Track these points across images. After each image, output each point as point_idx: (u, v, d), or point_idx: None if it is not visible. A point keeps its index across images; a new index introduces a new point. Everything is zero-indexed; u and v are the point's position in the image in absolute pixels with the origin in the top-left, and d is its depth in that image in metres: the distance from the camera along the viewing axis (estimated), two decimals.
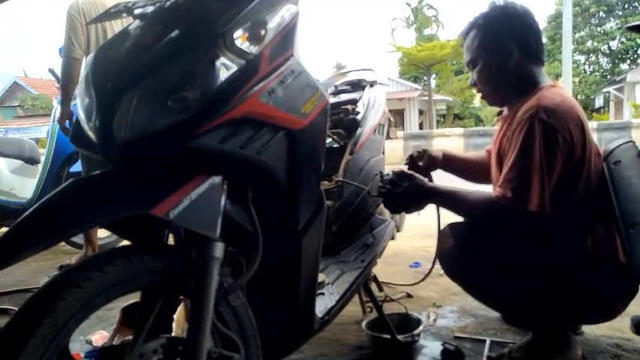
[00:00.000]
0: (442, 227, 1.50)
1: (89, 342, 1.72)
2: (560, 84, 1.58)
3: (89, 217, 0.74)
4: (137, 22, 0.92)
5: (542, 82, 1.40)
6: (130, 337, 0.99)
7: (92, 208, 0.75)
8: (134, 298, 0.94)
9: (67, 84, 2.68)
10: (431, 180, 1.56)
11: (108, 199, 0.76)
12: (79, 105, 0.89)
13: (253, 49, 0.86)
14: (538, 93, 1.34)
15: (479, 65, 1.45)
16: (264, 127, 0.88)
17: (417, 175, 1.46)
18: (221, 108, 0.81)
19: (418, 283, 1.78)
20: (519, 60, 1.39)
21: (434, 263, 1.61)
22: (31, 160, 3.56)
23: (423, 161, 1.62)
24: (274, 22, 0.90)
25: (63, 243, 3.34)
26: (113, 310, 1.83)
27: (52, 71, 3.31)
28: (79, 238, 3.31)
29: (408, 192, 1.42)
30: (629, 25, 1.46)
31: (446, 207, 1.43)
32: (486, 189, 1.46)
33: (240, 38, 0.84)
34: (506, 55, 1.39)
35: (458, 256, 1.44)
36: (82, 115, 0.89)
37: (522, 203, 1.25)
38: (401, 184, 1.42)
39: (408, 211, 1.50)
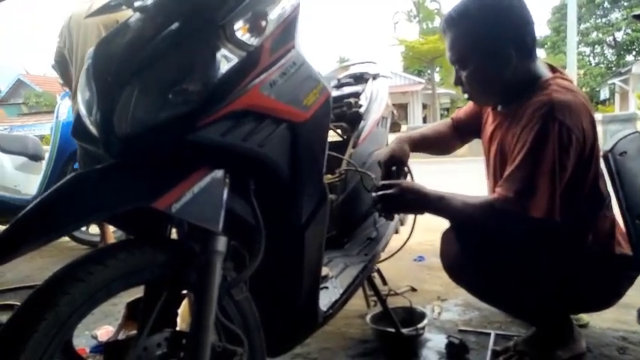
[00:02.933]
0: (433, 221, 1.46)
1: (95, 337, 1.73)
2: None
3: (90, 211, 0.74)
4: (137, 14, 0.91)
5: (543, 75, 1.31)
6: (135, 332, 0.99)
7: (93, 201, 0.74)
8: (139, 293, 0.94)
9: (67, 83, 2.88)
10: (410, 171, 1.51)
11: (109, 192, 0.76)
12: (80, 99, 0.89)
13: (254, 41, 0.85)
14: (548, 88, 1.25)
15: (469, 69, 1.31)
16: (265, 119, 0.88)
17: (407, 182, 1.38)
18: (222, 101, 0.80)
19: (393, 254, 1.75)
20: (517, 64, 1.27)
21: (412, 229, 1.62)
22: (35, 157, 3.57)
23: (402, 167, 1.54)
24: (275, 13, 0.89)
25: (68, 239, 3.35)
26: (118, 305, 1.84)
27: (54, 67, 3.31)
28: (83, 234, 3.33)
29: (401, 197, 1.32)
30: (635, 13, 1.44)
31: (439, 212, 1.33)
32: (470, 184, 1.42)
33: (240, 30, 0.84)
34: (502, 62, 1.27)
35: (461, 258, 1.40)
36: (82, 109, 0.88)
37: (526, 208, 1.18)
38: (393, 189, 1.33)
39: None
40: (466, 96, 1.42)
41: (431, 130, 1.74)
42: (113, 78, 0.83)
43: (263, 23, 0.87)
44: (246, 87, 0.83)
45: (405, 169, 1.55)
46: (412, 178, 1.60)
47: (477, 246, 1.34)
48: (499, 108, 1.42)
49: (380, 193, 1.34)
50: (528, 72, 1.31)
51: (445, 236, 1.46)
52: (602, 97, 24.70)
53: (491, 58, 1.28)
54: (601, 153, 1.32)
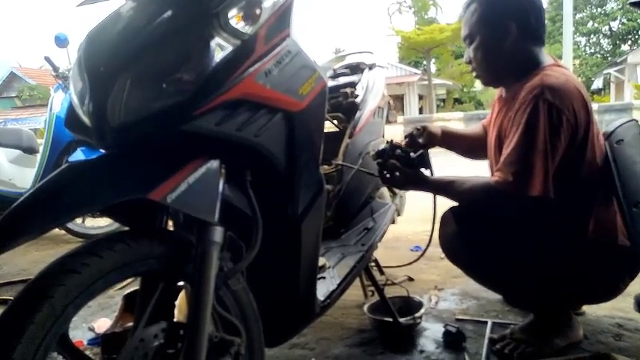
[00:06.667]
0: (443, 211, 1.49)
1: (92, 329, 1.73)
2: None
3: (85, 203, 0.73)
4: (129, 2, 0.90)
5: (544, 62, 1.35)
6: (132, 324, 0.99)
7: (88, 193, 0.73)
8: (137, 285, 0.94)
9: None
10: (428, 158, 1.51)
11: (104, 184, 0.75)
12: (72, 89, 0.88)
13: (248, 29, 0.84)
14: (541, 73, 1.30)
15: (475, 41, 1.40)
16: (261, 108, 0.87)
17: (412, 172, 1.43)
18: (217, 89, 0.79)
19: (412, 263, 1.76)
20: (517, 39, 1.34)
21: (428, 244, 1.62)
22: (30, 150, 3.56)
23: (423, 138, 1.57)
24: (270, 1, 0.88)
25: (63, 232, 3.34)
26: (115, 297, 1.84)
27: (48, 59, 3.29)
28: (78, 226, 3.32)
29: (403, 178, 1.43)
30: (632, 1, 1.42)
31: (442, 194, 1.41)
32: (483, 173, 1.45)
33: (235, 18, 0.82)
34: (502, 33, 1.34)
35: (459, 239, 1.43)
36: (75, 100, 0.87)
37: (524, 188, 1.22)
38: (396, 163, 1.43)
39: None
40: (474, 74, 1.47)
41: (467, 129, 1.81)
42: (106, 67, 0.81)
43: (257, 11, 0.86)
44: (241, 76, 0.82)
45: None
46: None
47: (475, 226, 1.38)
48: (503, 94, 1.45)
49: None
50: (530, 54, 1.36)
51: (444, 218, 1.49)
52: (597, 87, 24.72)
53: (493, 29, 1.36)
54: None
